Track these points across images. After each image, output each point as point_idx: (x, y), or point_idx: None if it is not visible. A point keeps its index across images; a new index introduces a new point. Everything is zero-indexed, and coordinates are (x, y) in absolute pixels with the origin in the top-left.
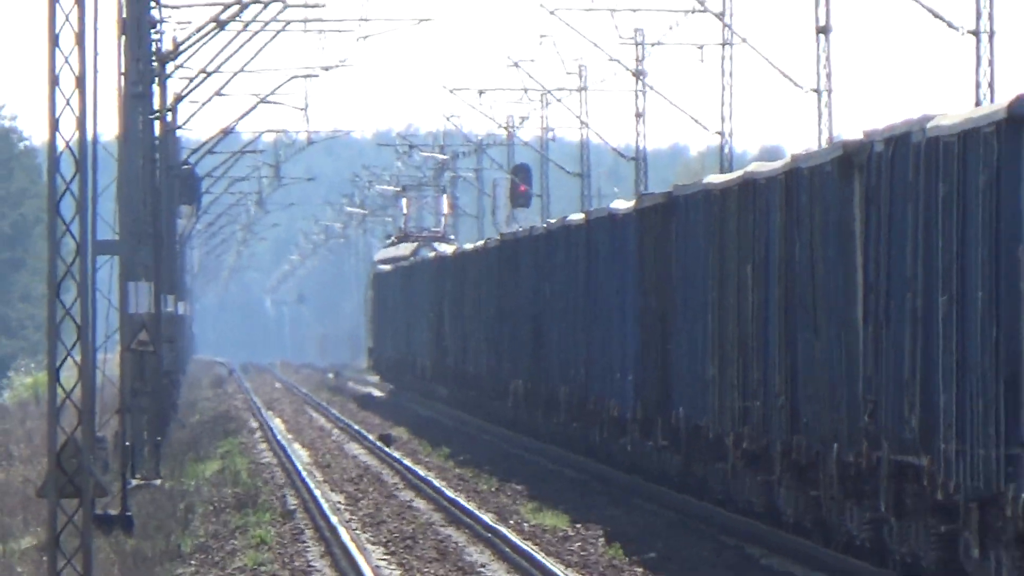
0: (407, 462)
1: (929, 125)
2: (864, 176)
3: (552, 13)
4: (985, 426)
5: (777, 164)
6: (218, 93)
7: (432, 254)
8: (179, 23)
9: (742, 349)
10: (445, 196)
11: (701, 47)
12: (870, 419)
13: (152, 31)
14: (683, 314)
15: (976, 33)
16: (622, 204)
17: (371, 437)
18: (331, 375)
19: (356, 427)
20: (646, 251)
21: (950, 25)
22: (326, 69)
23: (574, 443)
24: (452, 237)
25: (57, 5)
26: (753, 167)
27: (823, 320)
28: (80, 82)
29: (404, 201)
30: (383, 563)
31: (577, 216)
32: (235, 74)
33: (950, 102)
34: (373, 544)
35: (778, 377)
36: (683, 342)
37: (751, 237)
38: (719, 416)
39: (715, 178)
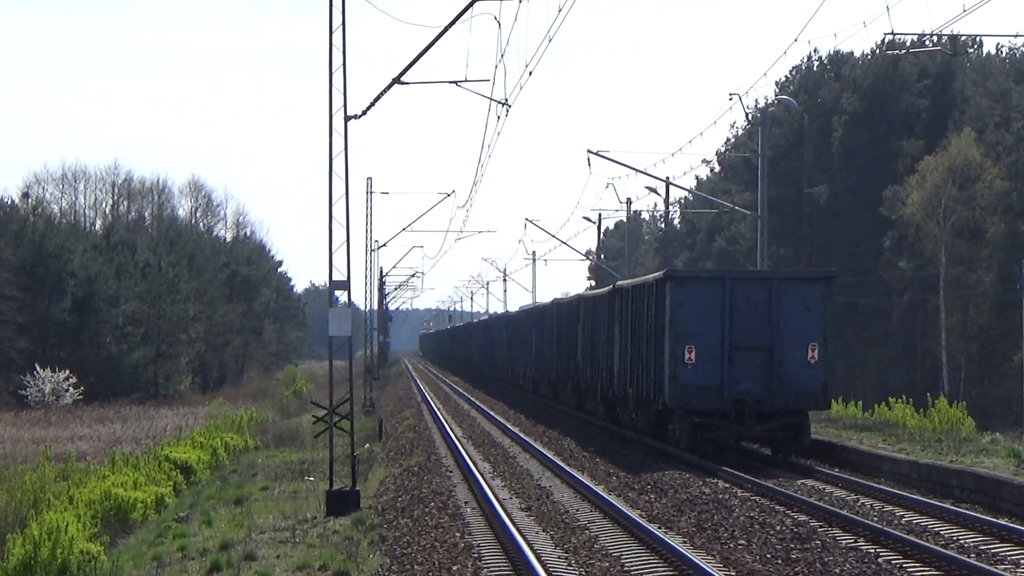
0: (450, 381)
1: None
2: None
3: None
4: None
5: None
6: (393, 280)
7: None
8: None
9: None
10: (449, 318)
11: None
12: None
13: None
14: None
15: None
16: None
17: (435, 373)
18: (419, 353)
19: (430, 368)
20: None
21: None
22: (420, 276)
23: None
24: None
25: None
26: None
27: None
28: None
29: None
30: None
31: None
32: (403, 275)
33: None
34: (438, 404)
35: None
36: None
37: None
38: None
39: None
